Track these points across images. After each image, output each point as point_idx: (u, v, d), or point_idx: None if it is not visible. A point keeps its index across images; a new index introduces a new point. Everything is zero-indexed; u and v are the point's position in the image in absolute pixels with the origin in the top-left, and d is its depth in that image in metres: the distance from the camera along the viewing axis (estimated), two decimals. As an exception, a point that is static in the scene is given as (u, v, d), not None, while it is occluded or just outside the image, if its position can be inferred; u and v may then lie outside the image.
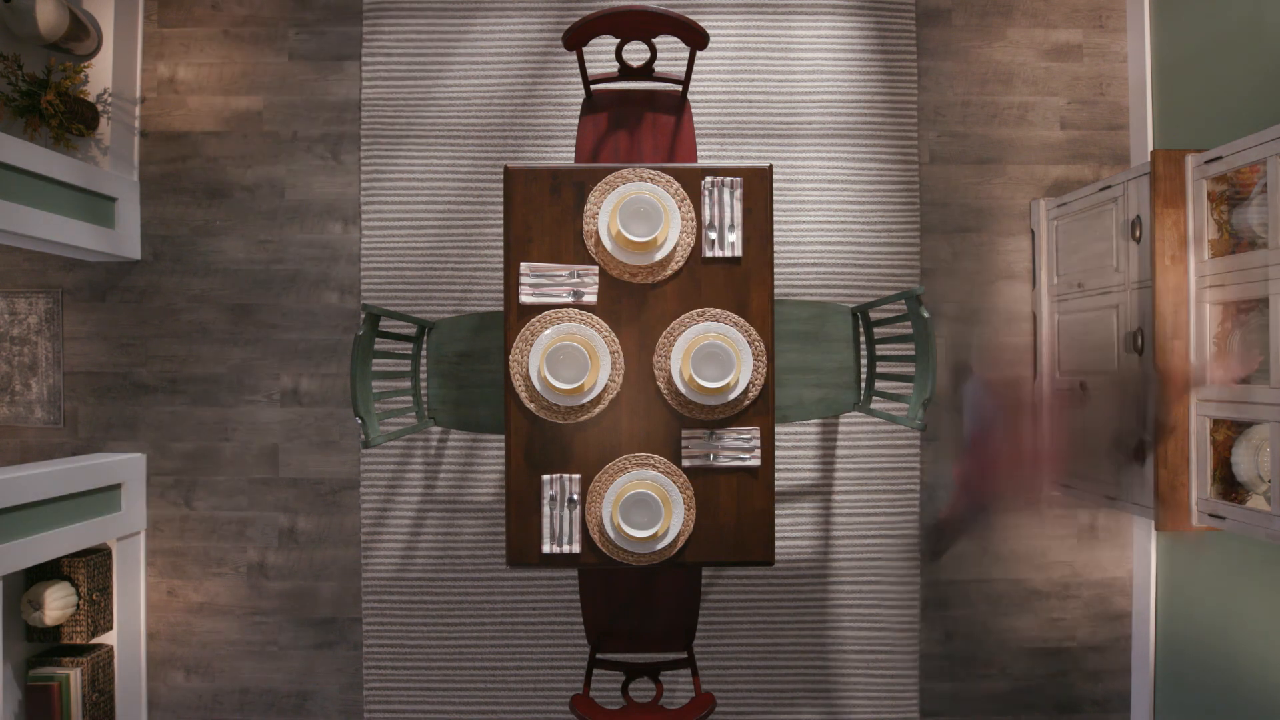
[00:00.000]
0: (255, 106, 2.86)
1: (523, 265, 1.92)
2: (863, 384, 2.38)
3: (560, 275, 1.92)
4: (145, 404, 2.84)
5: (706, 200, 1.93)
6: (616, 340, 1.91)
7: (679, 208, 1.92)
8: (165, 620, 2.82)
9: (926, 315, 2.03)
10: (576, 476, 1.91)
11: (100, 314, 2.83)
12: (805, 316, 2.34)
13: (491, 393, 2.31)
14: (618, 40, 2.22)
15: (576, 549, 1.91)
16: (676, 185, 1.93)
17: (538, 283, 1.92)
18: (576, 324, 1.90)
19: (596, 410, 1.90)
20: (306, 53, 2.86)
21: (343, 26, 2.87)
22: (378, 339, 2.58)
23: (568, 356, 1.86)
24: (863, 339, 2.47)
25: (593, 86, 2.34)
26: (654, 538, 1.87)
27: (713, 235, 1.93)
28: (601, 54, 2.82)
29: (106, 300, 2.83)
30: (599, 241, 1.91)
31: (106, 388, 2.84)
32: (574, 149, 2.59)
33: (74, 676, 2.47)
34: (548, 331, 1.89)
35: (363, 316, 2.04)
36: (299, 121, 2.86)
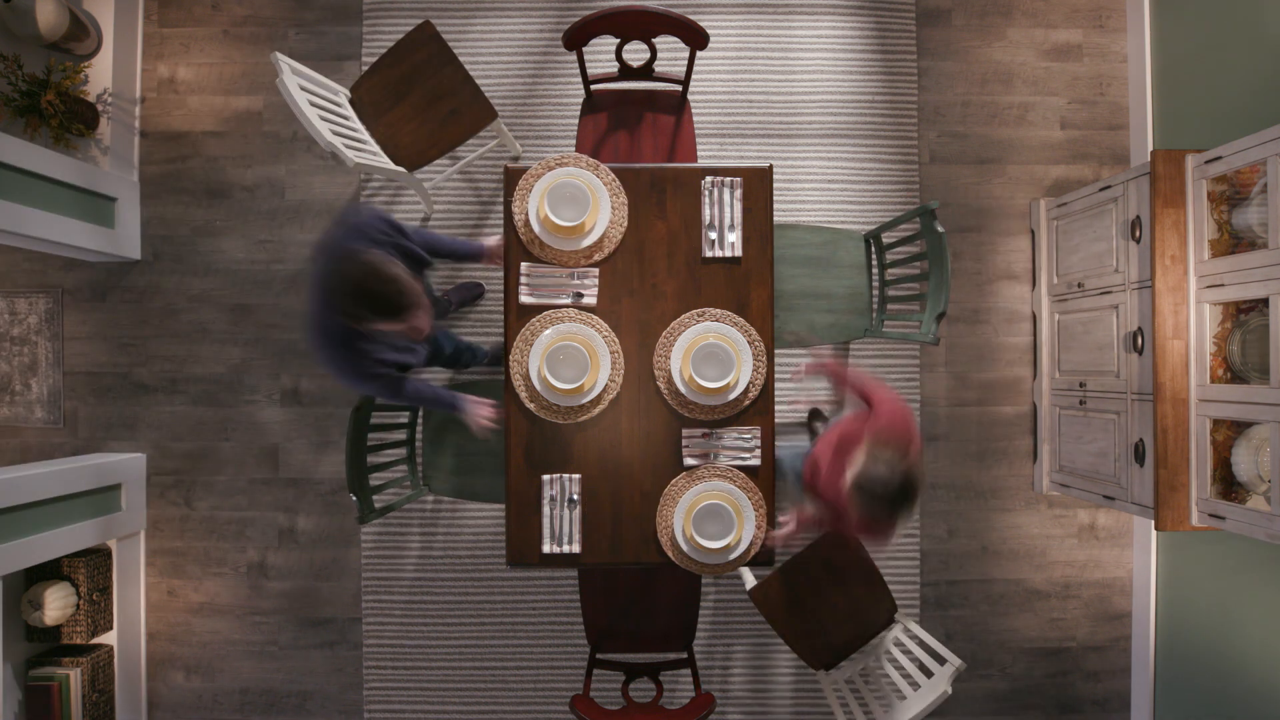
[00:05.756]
0: (255, 106, 2.86)
1: (523, 265, 1.92)
2: (874, 310, 2.37)
3: (560, 276, 1.92)
4: (145, 404, 2.84)
5: (706, 200, 1.93)
6: (617, 340, 1.91)
7: (610, 195, 1.91)
8: (165, 620, 2.82)
9: (941, 230, 2.04)
10: (577, 476, 1.91)
11: (100, 314, 2.83)
12: (817, 242, 2.31)
13: (488, 460, 2.29)
14: (618, 40, 2.22)
15: (577, 549, 1.91)
16: (611, 176, 1.92)
17: (538, 283, 1.92)
18: (577, 324, 1.90)
19: (596, 410, 1.90)
20: (306, 53, 2.86)
21: (343, 26, 2.87)
22: (374, 412, 2.47)
23: (568, 356, 1.86)
24: (874, 266, 2.45)
25: (593, 86, 2.34)
26: (726, 548, 1.87)
27: (713, 235, 1.93)
28: (601, 54, 2.82)
29: (106, 300, 2.83)
30: (528, 223, 1.90)
31: (106, 388, 2.84)
32: (574, 149, 2.59)
33: (74, 676, 2.47)
34: (548, 332, 1.89)
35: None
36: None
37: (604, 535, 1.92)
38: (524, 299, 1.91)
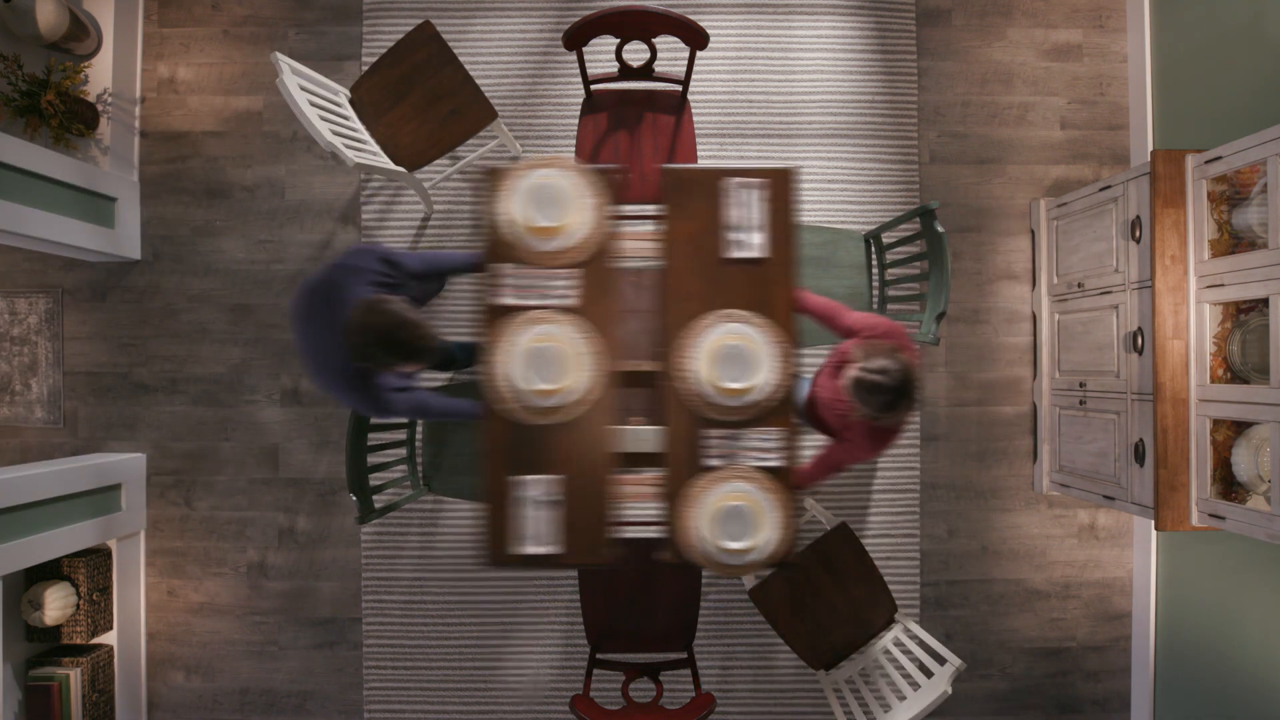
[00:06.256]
0: (255, 106, 2.86)
1: (505, 267, 1.91)
2: (874, 310, 2.37)
3: (541, 278, 1.91)
4: (145, 404, 2.84)
5: (729, 201, 1.93)
6: (597, 342, 1.91)
7: (590, 197, 1.91)
8: (165, 620, 2.82)
9: (941, 230, 2.05)
10: (555, 478, 1.90)
11: (100, 314, 2.83)
12: (817, 242, 2.31)
13: None
14: (618, 40, 2.22)
15: (556, 549, 1.89)
16: (592, 178, 1.92)
17: (519, 285, 1.91)
18: (557, 326, 1.90)
19: (576, 412, 1.89)
20: (306, 53, 2.86)
21: (343, 26, 2.87)
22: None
23: (548, 359, 1.86)
24: (874, 266, 2.47)
25: (593, 86, 2.34)
26: (747, 550, 1.86)
27: (737, 236, 1.92)
28: (601, 54, 2.82)
29: (106, 300, 2.83)
30: (509, 225, 1.90)
31: (106, 388, 2.84)
32: (574, 149, 2.59)
33: (74, 676, 2.47)
34: (528, 333, 1.88)
35: None
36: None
37: (583, 535, 1.90)
38: (504, 300, 1.90)
